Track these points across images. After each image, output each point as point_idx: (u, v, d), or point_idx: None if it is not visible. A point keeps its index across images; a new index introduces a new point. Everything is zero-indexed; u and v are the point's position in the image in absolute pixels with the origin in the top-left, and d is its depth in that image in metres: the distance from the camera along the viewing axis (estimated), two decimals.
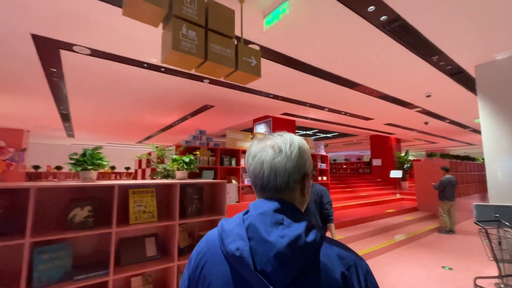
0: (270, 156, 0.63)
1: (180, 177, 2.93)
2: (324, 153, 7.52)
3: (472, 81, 4.76)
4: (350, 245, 5.20)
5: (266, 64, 3.94)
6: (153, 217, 2.36)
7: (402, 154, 13.23)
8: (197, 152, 5.10)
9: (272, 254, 0.53)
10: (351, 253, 0.59)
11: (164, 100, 6.02)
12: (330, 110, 6.88)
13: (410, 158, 12.53)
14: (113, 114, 7.35)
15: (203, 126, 8.69)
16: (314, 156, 7.25)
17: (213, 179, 5.16)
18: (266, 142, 0.67)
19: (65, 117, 7.57)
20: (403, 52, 3.66)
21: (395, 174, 11.42)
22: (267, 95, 5.59)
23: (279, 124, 8.44)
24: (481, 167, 10.84)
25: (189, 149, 5.14)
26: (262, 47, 3.45)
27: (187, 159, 2.98)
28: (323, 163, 7.54)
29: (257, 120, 9.02)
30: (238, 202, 5.44)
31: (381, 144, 13.63)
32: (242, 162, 5.69)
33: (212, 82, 4.82)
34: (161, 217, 2.45)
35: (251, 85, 5.02)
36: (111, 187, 2.04)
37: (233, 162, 5.56)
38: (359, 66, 4.17)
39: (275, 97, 5.72)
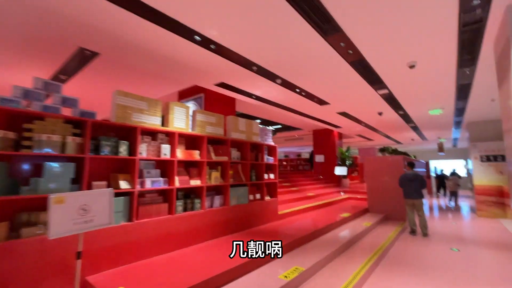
0: None
1: None
2: (272, 143, 5.67)
3: (477, 42, 3.52)
4: (317, 280, 3.44)
5: None
6: None
7: (344, 150, 12.73)
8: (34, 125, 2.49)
9: None
10: None
11: None
12: (284, 83, 5.03)
13: (354, 154, 12.26)
14: None
15: (94, 101, 5.77)
16: (259, 146, 5.32)
17: (73, 179, 2.63)
18: None
19: None
20: None
21: (340, 171, 10.60)
22: (190, 34, 3.30)
23: (214, 103, 6.20)
24: (417, 164, 10.98)
25: (16, 118, 2.47)
26: None
27: None
28: (271, 156, 5.68)
29: (184, 95, 6.58)
30: (129, 222, 3.02)
31: (324, 140, 12.85)
32: (143, 149, 3.27)
33: None
34: None
35: (155, 4, 2.67)
36: None
37: (124, 148, 3.09)
38: None
39: (205, 42, 3.49)
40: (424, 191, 12.92)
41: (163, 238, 3.32)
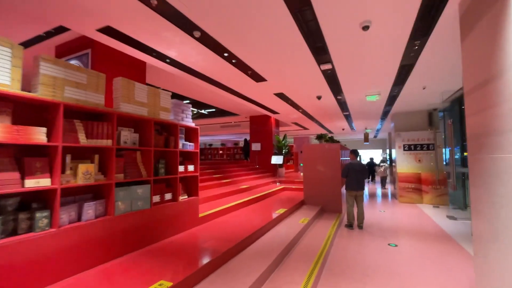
0: None
1: None
2: (192, 124, 4.28)
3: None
4: None
5: None
6: None
7: (281, 138, 12.21)
8: None
9: None
10: None
11: None
12: (205, 39, 3.65)
13: (290, 143, 11.92)
14: None
15: None
16: (171, 127, 3.86)
17: None
18: None
19: None
20: None
21: (276, 160, 9.92)
22: None
23: (110, 65, 4.40)
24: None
25: None
26: None
27: None
28: (191, 141, 4.29)
29: (64, 52, 4.56)
30: None
31: (261, 127, 12.05)
32: None
33: None
34: None
35: None
36: None
37: None
38: None
39: None
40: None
41: None
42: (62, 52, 4.53)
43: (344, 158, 7.31)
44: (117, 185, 2.95)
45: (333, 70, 4.91)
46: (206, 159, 18.33)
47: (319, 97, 7.03)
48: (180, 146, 3.92)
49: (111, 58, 4.38)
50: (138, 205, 3.14)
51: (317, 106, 8.30)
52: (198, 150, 4.28)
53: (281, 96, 6.99)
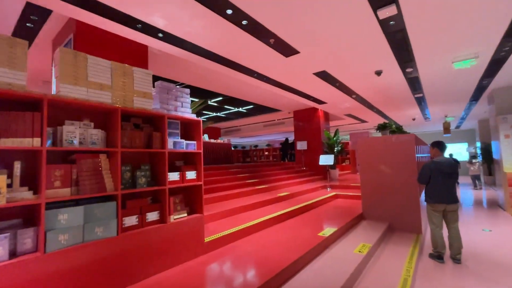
0: None
1: None
2: (191, 116, 3.15)
3: None
4: None
5: None
6: None
7: (332, 135, 10.37)
8: None
9: None
10: None
11: None
12: None
13: (344, 140, 10.05)
14: None
15: None
16: (157, 120, 2.79)
17: None
18: None
19: None
20: None
21: (326, 160, 8.19)
22: None
23: (98, 50, 3.61)
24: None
25: None
26: None
27: None
28: (191, 138, 3.17)
29: (59, 44, 4.02)
30: None
31: (307, 122, 10.44)
32: None
33: None
34: None
35: None
36: None
37: None
38: None
39: None
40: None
41: None
42: (58, 45, 3.99)
43: (420, 155, 5.26)
44: (58, 204, 1.99)
45: (399, 20, 3.17)
46: (251, 161, 17.43)
47: (378, 73, 5.18)
48: (171, 145, 2.83)
49: (99, 44, 3.60)
50: (95, 233, 2.13)
51: (377, 87, 6.35)
52: (201, 151, 3.12)
53: (324, 76, 5.39)
